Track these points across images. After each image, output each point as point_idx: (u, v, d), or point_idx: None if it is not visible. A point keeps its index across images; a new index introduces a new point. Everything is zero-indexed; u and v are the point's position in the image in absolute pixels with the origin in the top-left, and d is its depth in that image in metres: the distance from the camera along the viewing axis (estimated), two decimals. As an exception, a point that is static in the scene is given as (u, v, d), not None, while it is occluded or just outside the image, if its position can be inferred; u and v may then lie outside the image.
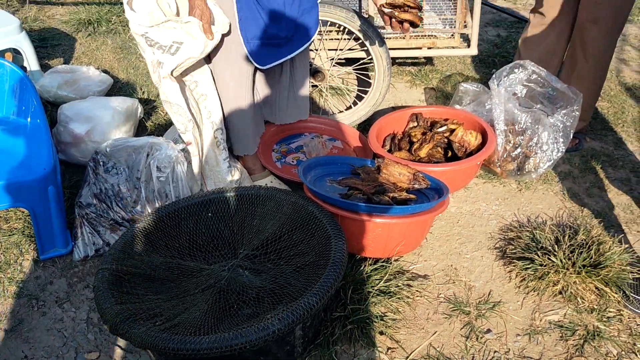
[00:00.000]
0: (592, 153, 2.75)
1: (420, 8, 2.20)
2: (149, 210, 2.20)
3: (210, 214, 2.07)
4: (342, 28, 2.79)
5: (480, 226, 2.36)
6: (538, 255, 2.06)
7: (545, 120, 2.41)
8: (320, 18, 2.68)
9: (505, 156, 2.50)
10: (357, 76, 3.28)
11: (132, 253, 1.86)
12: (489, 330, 1.90)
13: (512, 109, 2.45)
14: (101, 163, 2.24)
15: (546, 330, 1.89)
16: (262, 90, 2.59)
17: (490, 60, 3.66)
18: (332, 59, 2.92)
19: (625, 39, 3.92)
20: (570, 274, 1.99)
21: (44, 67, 3.30)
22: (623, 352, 1.80)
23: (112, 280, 1.72)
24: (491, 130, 2.48)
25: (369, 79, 2.93)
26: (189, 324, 1.61)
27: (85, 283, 2.10)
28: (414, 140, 2.56)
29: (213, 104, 2.39)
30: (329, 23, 2.77)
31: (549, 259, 2.04)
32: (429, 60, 3.64)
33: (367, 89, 2.93)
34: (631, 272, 1.99)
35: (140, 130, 2.91)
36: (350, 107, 3.04)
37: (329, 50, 2.92)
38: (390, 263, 2.10)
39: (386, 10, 2.23)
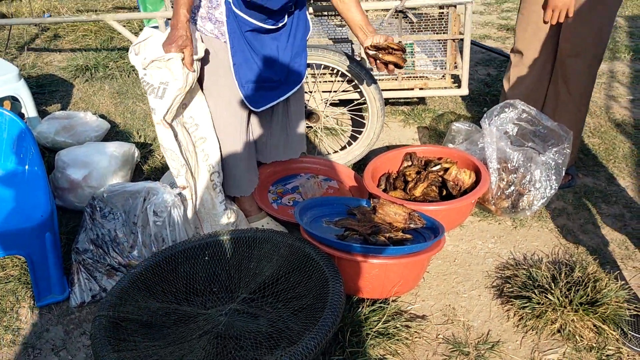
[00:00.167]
0: (585, 189, 2.77)
1: (403, 50, 2.26)
2: (146, 255, 2.21)
3: (207, 258, 2.08)
4: (335, 71, 2.84)
5: (476, 264, 2.36)
6: (535, 294, 2.06)
7: (537, 158, 2.45)
8: (314, 61, 2.75)
9: (499, 194, 2.53)
10: (351, 117, 3.33)
11: (129, 299, 1.85)
12: (488, 371, 1.89)
13: (504, 147, 2.49)
14: (98, 208, 2.25)
15: (546, 369, 1.88)
16: (257, 131, 2.63)
17: (482, 99, 3.72)
18: (327, 101, 2.97)
19: (613, 76, 4.00)
20: (568, 312, 1.99)
21: (42, 114, 3.34)
22: (624, 391, 1.79)
23: (109, 328, 1.71)
24: (484, 168, 2.51)
25: (363, 119, 2.97)
26: (186, 371, 1.60)
27: (81, 330, 2.09)
28: (409, 179, 2.59)
29: (211, 147, 2.41)
30: (322, 66, 2.82)
31: (546, 297, 2.04)
32: (421, 100, 3.70)
33: (361, 129, 2.97)
34: (628, 309, 1.99)
35: (137, 174, 2.94)
36: (345, 147, 3.08)
37: (323, 92, 2.97)
38: (388, 304, 2.10)
39: (370, 52, 2.29)
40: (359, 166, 2.98)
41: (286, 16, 2.31)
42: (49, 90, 3.76)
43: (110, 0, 5.38)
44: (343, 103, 3.11)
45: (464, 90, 2.95)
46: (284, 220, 2.58)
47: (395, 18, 2.82)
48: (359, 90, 2.86)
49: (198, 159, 2.41)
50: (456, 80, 3.04)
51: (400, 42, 2.28)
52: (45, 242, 2.08)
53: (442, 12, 2.91)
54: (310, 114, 2.97)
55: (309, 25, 2.46)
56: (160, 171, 2.94)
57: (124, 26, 3.28)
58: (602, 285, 2.05)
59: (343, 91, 2.95)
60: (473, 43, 3.85)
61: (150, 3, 3.98)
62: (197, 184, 2.40)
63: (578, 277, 2.12)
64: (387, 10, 2.78)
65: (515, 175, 2.48)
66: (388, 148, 3.24)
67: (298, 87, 2.45)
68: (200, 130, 2.39)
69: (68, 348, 2.01)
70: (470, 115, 3.54)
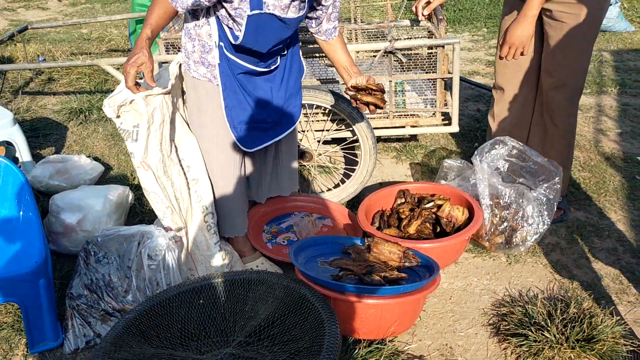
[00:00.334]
0: (578, 223, 2.79)
1: (383, 91, 2.31)
2: (140, 300, 2.19)
3: (201, 301, 2.07)
4: (327, 110, 2.88)
5: (472, 302, 2.36)
6: (532, 331, 2.06)
7: (529, 194, 2.47)
8: (306, 102, 2.78)
9: (492, 230, 2.54)
10: (344, 154, 3.35)
11: (123, 345, 1.84)
12: (488, 411, 1.87)
13: (496, 184, 2.51)
14: (92, 253, 2.25)
15: (545, 408, 1.87)
16: (250, 170, 2.65)
17: (472, 134, 3.77)
18: (319, 140, 3.00)
19: (601, 110, 4.06)
20: (565, 349, 1.98)
21: (36, 157, 3.36)
22: None
23: (103, 376, 1.70)
24: (477, 204, 2.53)
25: (356, 157, 3.00)
26: (182, 419, 1.58)
27: (75, 377, 2.06)
28: (403, 216, 2.60)
29: (204, 188, 2.43)
30: (314, 106, 2.86)
31: (542, 334, 2.04)
32: (413, 136, 3.74)
33: (354, 167, 3.00)
34: (625, 345, 1.99)
35: (131, 216, 2.94)
36: (338, 185, 3.10)
37: (315, 131, 3.00)
38: (385, 344, 2.09)
39: (350, 93, 2.35)
40: (353, 203, 3.00)
41: (279, 58, 2.35)
42: (43, 134, 3.78)
43: (104, 43, 5.45)
44: (336, 141, 3.14)
45: (455, 128, 2.99)
46: (279, 260, 2.58)
47: (386, 58, 2.88)
48: (351, 129, 2.89)
49: (191, 200, 2.42)
50: (446, 117, 3.09)
51: (380, 83, 2.34)
52: (39, 288, 2.07)
53: (431, 52, 2.97)
54: (303, 153, 3.00)
55: (302, 67, 2.50)
56: (154, 213, 2.93)
57: (117, 69, 3.32)
58: (598, 321, 2.05)
59: (335, 130, 2.99)
60: (462, 79, 3.92)
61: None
62: (191, 226, 2.41)
63: (574, 313, 2.12)
64: (378, 51, 2.84)
65: (507, 212, 2.50)
66: (381, 185, 3.26)
67: (292, 128, 2.48)
68: (192, 172, 2.41)
69: (61, 397, 1.98)
70: (461, 150, 3.58)
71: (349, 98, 2.41)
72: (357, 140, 2.89)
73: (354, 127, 2.82)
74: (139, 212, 2.98)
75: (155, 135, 2.19)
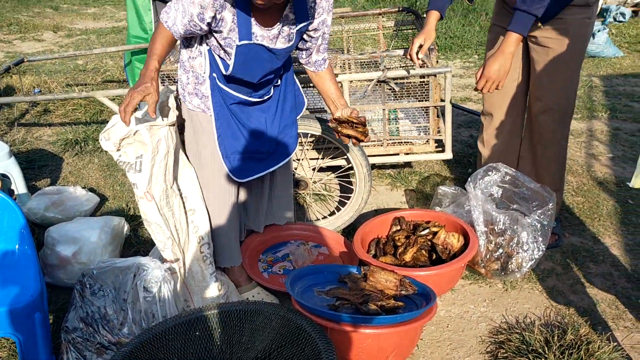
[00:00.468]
0: (573, 249, 2.80)
1: (364, 124, 2.31)
2: (136, 332, 2.18)
3: (198, 333, 2.06)
4: (322, 139, 2.91)
5: (470, 329, 2.35)
6: (529, 359, 2.05)
7: (523, 220, 2.49)
8: (302, 131, 2.81)
9: (488, 257, 2.55)
10: (339, 182, 3.37)
11: (120, 380, 1.82)
12: None
13: (490, 210, 2.53)
14: (88, 285, 2.24)
15: None
16: (246, 199, 2.66)
17: (466, 160, 3.79)
18: (314, 168, 3.02)
19: (592, 134, 4.11)
20: (563, 376, 1.98)
21: (32, 189, 3.36)
22: None
23: (99, 411, 1.68)
24: (472, 231, 2.54)
25: (351, 184, 3.01)
26: None
27: (70, 413, 2.03)
28: (398, 244, 2.61)
29: (201, 219, 2.43)
30: (309, 135, 2.89)
31: (540, 361, 2.04)
32: (407, 163, 3.76)
33: (349, 195, 3.01)
34: (623, 371, 1.99)
35: (127, 247, 2.93)
36: (333, 213, 3.11)
37: (310, 159, 3.02)
38: (383, 374, 2.08)
39: (332, 125, 2.36)
40: (349, 231, 3.00)
41: (272, 89, 2.38)
42: (38, 165, 3.79)
43: (99, 74, 5.50)
44: (331, 168, 3.16)
45: (448, 155, 3.01)
46: (276, 290, 2.57)
47: (379, 86, 2.92)
48: (345, 157, 2.92)
49: (189, 230, 2.42)
50: (440, 144, 3.11)
51: (362, 116, 2.34)
52: (34, 322, 2.06)
53: (424, 80, 3.01)
54: (298, 182, 3.01)
55: (302, 100, 2.53)
56: (149, 243, 2.94)
57: (112, 100, 3.35)
58: (595, 348, 2.05)
59: (330, 158, 3.01)
60: (454, 106, 3.96)
61: (138, 76, 4.07)
62: (187, 256, 2.41)
63: (571, 340, 2.12)
64: (371, 80, 2.88)
65: (502, 238, 2.51)
66: (376, 212, 3.27)
67: (287, 159, 2.50)
68: (189, 202, 2.42)
69: None
70: (455, 176, 3.60)
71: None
72: (352, 168, 2.91)
73: (348, 155, 2.84)
74: (135, 243, 2.98)
75: (160, 166, 2.20)
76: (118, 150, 2.12)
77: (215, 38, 2.13)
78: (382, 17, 3.71)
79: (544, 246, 2.50)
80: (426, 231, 2.61)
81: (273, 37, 2.12)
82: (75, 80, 5.36)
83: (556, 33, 2.48)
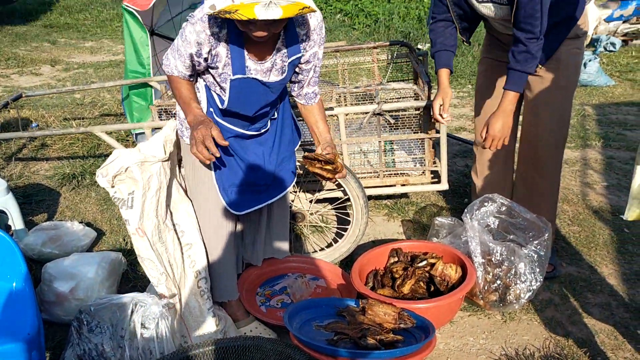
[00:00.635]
0: (570, 278, 2.81)
1: (331, 162, 2.26)
2: (134, 369, 2.16)
3: (196, 370, 2.04)
4: (318, 171, 2.92)
5: (469, 362, 2.35)
6: (530, 392, 2.04)
7: (520, 251, 2.50)
8: (298, 164, 2.83)
9: (486, 288, 2.55)
10: (336, 214, 3.38)
11: (117, 419, 1.80)
12: None
13: (487, 241, 2.54)
14: (85, 322, 2.23)
15: None
16: (244, 232, 2.66)
17: (462, 190, 3.81)
18: (312, 200, 3.03)
19: (586, 163, 4.14)
20: (564, 409, 1.97)
21: (29, 224, 3.36)
22: None
23: None
24: (470, 262, 2.55)
25: (348, 216, 3.02)
26: None
27: None
28: (396, 276, 2.61)
29: (198, 253, 2.43)
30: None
31: (541, 394, 2.02)
32: (404, 194, 3.78)
33: (346, 226, 3.02)
34: (624, 404, 1.97)
35: (124, 281, 2.92)
36: (331, 245, 3.11)
37: (307, 192, 3.03)
38: (383, 409, 2.06)
39: (302, 162, 2.34)
40: (346, 262, 3.00)
41: (269, 122, 2.41)
42: (35, 200, 3.79)
43: (97, 108, 5.53)
44: (328, 199, 3.17)
45: (444, 186, 3.03)
46: (274, 324, 2.56)
47: (375, 118, 2.95)
48: (342, 189, 2.93)
49: (185, 265, 2.42)
50: (436, 175, 3.14)
51: (331, 154, 2.27)
52: (31, 361, 2.04)
53: (419, 112, 3.05)
54: (295, 214, 3.02)
55: (299, 132, 2.56)
56: (147, 278, 2.93)
57: (110, 134, 3.37)
58: (596, 380, 2.04)
59: (327, 190, 3.02)
60: (449, 136, 4.00)
61: (136, 111, 4.10)
62: (184, 291, 2.40)
63: (571, 372, 2.11)
64: (367, 113, 2.91)
65: (500, 269, 2.52)
66: (374, 242, 3.27)
67: (285, 192, 2.51)
68: (186, 236, 2.43)
69: None
70: (451, 206, 3.62)
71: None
72: (349, 199, 2.92)
73: (345, 187, 2.86)
74: (132, 277, 2.97)
75: (152, 202, 2.21)
76: (112, 187, 2.14)
77: (211, 74, 2.17)
78: (377, 50, 3.77)
79: (541, 277, 2.50)
80: (424, 263, 2.62)
81: (266, 70, 2.15)
82: (73, 114, 5.39)
83: (549, 63, 2.53)
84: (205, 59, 2.08)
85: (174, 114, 2.98)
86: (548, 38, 2.40)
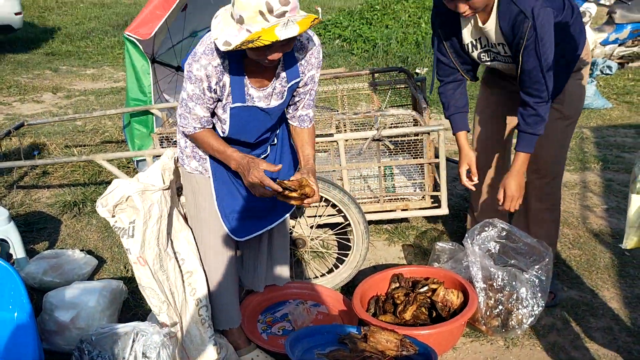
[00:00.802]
0: (572, 302, 2.80)
1: (295, 190, 2.16)
2: (135, 400, 2.15)
3: (198, 400, 2.03)
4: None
5: (472, 389, 2.33)
6: (534, 419, 2.02)
7: (521, 276, 2.50)
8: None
9: (488, 313, 2.54)
10: (337, 239, 3.38)
11: None
12: None
13: (488, 266, 2.54)
14: (86, 352, 2.22)
15: None
16: (245, 259, 2.66)
17: (462, 214, 3.81)
18: (312, 226, 3.04)
19: (585, 186, 4.16)
20: None
21: (30, 252, 3.36)
22: None
23: None
24: (471, 287, 2.54)
25: (349, 241, 3.03)
26: None
27: None
28: (398, 302, 2.60)
29: (198, 281, 2.43)
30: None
31: (545, 421, 2.01)
32: (404, 218, 3.78)
33: (347, 252, 3.02)
34: None
35: (125, 310, 2.91)
36: (332, 270, 3.11)
37: (308, 217, 3.04)
38: None
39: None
40: (347, 288, 3.00)
41: (268, 148, 2.42)
42: (36, 228, 3.79)
43: (98, 135, 5.56)
44: (328, 224, 3.17)
45: (444, 210, 3.04)
46: (275, 352, 2.55)
47: (374, 144, 2.97)
48: (342, 214, 2.94)
49: (186, 293, 2.42)
50: (436, 199, 3.15)
51: (296, 180, 2.19)
52: (31, 392, 2.03)
53: (418, 138, 3.07)
54: (295, 240, 3.02)
55: (294, 161, 2.57)
56: (148, 306, 2.91)
57: (111, 162, 3.39)
58: (600, 406, 2.03)
59: (328, 215, 3.03)
60: (449, 160, 4.02)
61: (138, 138, 4.13)
62: (185, 320, 2.40)
63: (575, 398, 2.09)
64: (366, 138, 2.93)
65: (501, 294, 2.52)
66: (375, 268, 3.27)
67: (285, 217, 2.52)
68: (186, 264, 2.43)
69: None
70: (452, 230, 3.62)
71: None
72: (349, 225, 2.93)
73: (345, 212, 2.87)
74: (133, 306, 2.96)
75: (153, 230, 2.22)
76: (113, 216, 2.15)
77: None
78: (376, 76, 3.81)
79: (543, 301, 2.50)
80: (425, 288, 2.62)
81: (268, 95, 2.17)
82: (74, 141, 5.42)
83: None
84: (215, 91, 2.10)
85: (175, 141, 3.01)
86: (556, 78, 2.39)
